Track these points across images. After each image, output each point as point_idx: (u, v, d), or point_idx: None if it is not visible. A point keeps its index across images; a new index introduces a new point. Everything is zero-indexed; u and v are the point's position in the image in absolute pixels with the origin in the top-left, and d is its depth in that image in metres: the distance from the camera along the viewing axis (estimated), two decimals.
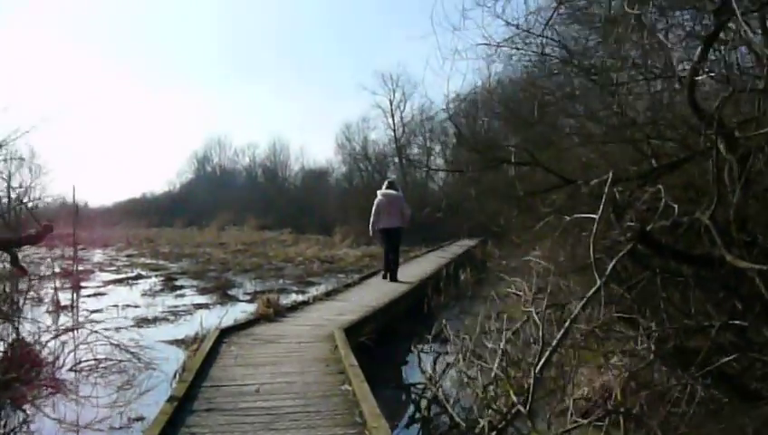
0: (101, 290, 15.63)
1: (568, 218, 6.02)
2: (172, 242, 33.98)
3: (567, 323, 4.94)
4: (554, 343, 4.85)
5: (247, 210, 44.44)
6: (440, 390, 5.89)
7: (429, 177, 38.54)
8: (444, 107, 7.83)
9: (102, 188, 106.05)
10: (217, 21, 79.84)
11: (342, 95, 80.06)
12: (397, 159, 38.78)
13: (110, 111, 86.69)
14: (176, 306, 12.74)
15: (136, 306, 12.77)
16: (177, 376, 6.91)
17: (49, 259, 18.97)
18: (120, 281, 17.46)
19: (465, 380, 5.84)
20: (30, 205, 7.82)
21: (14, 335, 7.37)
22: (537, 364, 4.71)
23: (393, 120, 39.67)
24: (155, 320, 11.23)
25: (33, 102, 51.50)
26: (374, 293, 10.99)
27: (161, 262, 23.77)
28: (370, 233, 12.23)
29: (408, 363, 8.47)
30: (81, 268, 18.93)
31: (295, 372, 5.60)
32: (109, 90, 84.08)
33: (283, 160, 52.43)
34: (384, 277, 12.46)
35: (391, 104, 39.72)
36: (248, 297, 14.00)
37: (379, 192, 11.98)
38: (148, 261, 24.36)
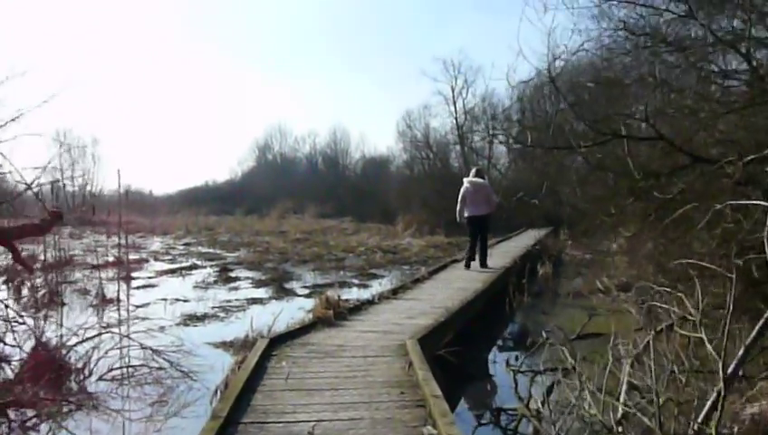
0: (153, 281, 14.72)
1: (718, 206, 4.58)
2: (231, 230, 33.34)
3: (748, 342, 3.54)
4: (728, 372, 3.45)
5: (308, 198, 43.83)
6: (550, 426, 4.53)
7: (492, 165, 37.13)
8: (545, 68, 6.39)
9: (167, 176, 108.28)
10: (277, 10, 79.52)
11: (404, 82, 78.60)
12: (459, 147, 37.33)
13: (176, 99, 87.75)
14: (228, 301, 11.68)
15: (185, 301, 11.78)
16: (219, 393, 5.80)
17: (103, 248, 18.48)
18: (173, 271, 16.54)
19: (578, 413, 4.47)
20: (36, 190, 6.65)
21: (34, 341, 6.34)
22: (704, 414, 3.33)
23: (455, 107, 38.18)
24: (204, 317, 10.17)
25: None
26: (446, 290, 9.76)
27: (218, 251, 22.94)
28: (458, 220, 12.00)
29: (492, 377, 7.16)
30: (134, 257, 18.27)
31: (362, 402, 4.32)
32: (176, 77, 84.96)
33: (343, 148, 52.08)
34: (466, 266, 12.17)
35: (453, 91, 38.23)
36: (306, 291, 12.86)
37: (465, 180, 11.79)
38: (205, 250, 23.58)
